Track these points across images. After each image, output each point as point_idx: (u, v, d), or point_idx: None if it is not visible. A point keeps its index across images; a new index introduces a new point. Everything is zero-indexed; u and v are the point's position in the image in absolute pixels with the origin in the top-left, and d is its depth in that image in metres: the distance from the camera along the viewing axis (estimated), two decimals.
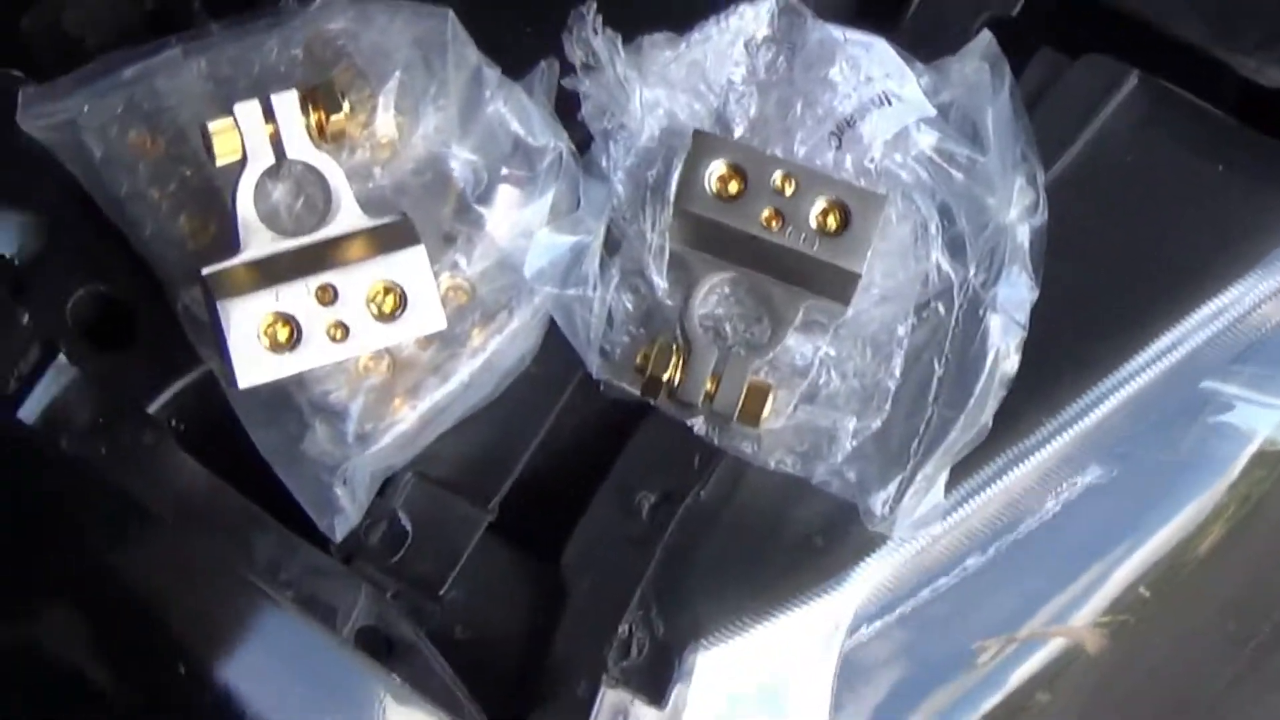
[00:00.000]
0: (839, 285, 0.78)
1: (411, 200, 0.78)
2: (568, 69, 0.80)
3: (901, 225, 0.80)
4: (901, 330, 0.80)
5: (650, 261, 0.79)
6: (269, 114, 0.75)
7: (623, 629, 0.79)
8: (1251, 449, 0.88)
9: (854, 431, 0.79)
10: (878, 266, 0.80)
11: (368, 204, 0.77)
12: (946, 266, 0.81)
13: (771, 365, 0.79)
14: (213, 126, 0.75)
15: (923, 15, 0.92)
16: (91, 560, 0.77)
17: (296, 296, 0.74)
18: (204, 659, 0.74)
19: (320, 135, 0.76)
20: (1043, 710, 0.86)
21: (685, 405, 0.78)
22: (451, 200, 0.78)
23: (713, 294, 0.80)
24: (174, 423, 0.81)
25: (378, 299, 0.74)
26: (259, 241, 0.75)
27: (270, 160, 0.76)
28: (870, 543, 0.81)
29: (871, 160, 0.81)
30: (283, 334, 0.74)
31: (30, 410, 0.79)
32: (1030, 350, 0.80)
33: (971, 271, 0.80)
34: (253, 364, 0.73)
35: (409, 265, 0.74)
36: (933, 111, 0.82)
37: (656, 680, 0.78)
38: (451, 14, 0.80)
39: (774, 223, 0.78)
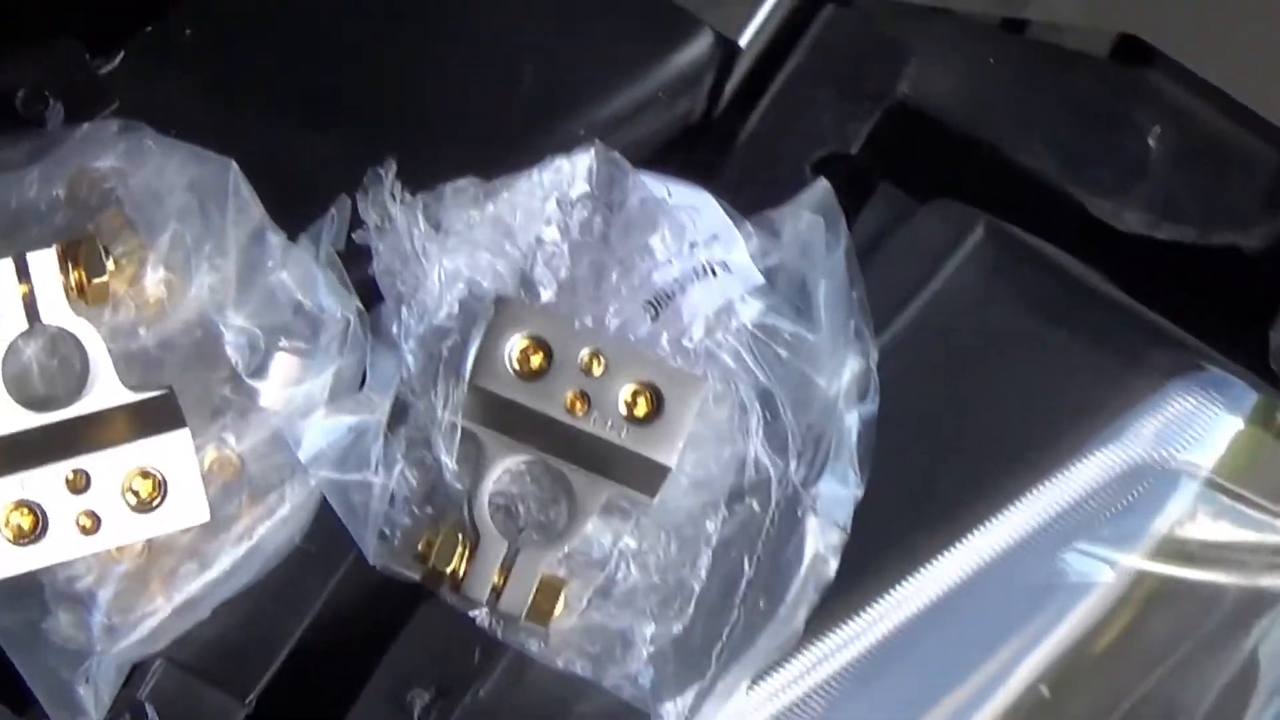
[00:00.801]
0: (646, 476, 0.73)
1: (179, 361, 0.72)
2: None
3: (719, 409, 0.75)
4: (710, 525, 0.75)
5: (440, 440, 0.73)
6: (23, 273, 0.69)
7: None
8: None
9: (651, 637, 0.74)
10: (690, 455, 0.74)
11: (130, 365, 0.71)
12: (765, 459, 0.75)
13: (566, 555, 0.74)
14: None
15: (752, 151, 0.87)
16: None
17: (44, 482, 0.67)
18: None
19: (80, 295, 0.70)
20: None
21: (469, 600, 0.73)
22: (223, 368, 0.72)
23: (506, 475, 0.74)
24: None
25: (135, 486, 0.68)
26: (4, 416, 0.68)
27: (22, 324, 0.69)
28: None
29: (690, 339, 0.75)
30: (26, 523, 0.67)
31: None
32: (854, 540, 0.75)
33: (792, 466, 0.75)
34: None
35: (170, 451, 0.68)
36: (760, 280, 0.76)
37: None
38: (234, 164, 0.73)
39: (578, 406, 0.73)
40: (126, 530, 0.68)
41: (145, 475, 0.69)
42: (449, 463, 0.73)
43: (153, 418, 0.69)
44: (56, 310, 0.69)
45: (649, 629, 0.74)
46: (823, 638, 0.78)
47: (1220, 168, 0.87)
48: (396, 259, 0.73)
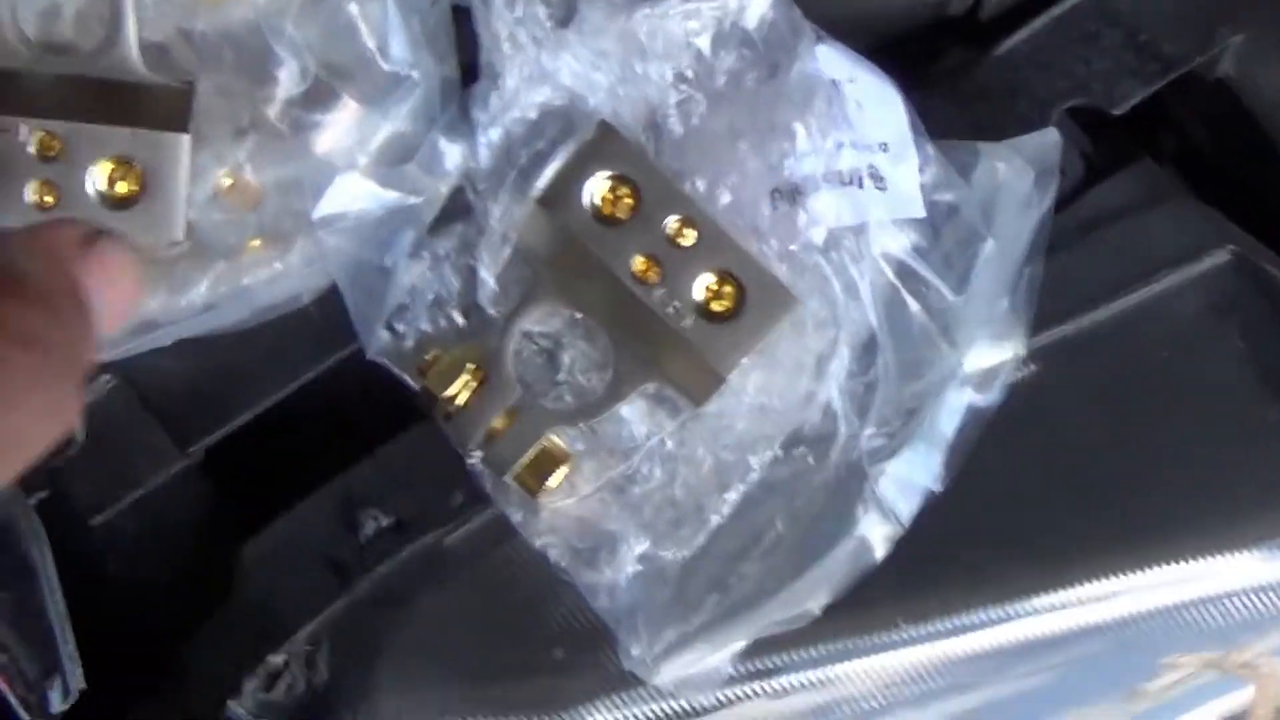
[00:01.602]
0: (698, 381, 0.68)
1: (217, 62, 0.68)
2: None
3: (807, 337, 0.70)
4: (755, 461, 0.70)
5: (484, 252, 0.70)
6: None
7: (278, 659, 0.70)
8: None
9: (643, 555, 0.70)
10: (756, 376, 0.69)
11: (164, 49, 0.67)
12: (839, 411, 0.70)
13: (590, 429, 0.69)
14: None
15: (998, 73, 0.80)
16: None
17: (13, 134, 0.64)
18: None
19: None
20: None
21: (458, 435, 0.68)
22: (264, 87, 0.68)
23: (551, 319, 0.70)
24: None
25: (112, 175, 0.65)
26: (12, 52, 0.65)
27: None
28: (617, 681, 0.71)
29: (806, 248, 0.69)
30: None
31: None
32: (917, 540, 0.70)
33: (868, 431, 0.70)
34: None
35: (162, 151, 0.64)
36: (920, 212, 0.71)
37: None
38: None
39: (650, 273, 0.68)
40: (84, 214, 0.64)
41: (126, 169, 0.65)
42: (488, 278, 0.70)
43: (159, 110, 0.65)
44: None
45: (645, 544, 0.70)
46: (844, 641, 0.73)
47: None
48: (498, 35, 0.69)
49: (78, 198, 0.64)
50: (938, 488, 0.70)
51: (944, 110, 0.75)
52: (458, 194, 0.71)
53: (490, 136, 0.70)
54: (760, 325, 0.67)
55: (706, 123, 0.70)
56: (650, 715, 0.72)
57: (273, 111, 0.69)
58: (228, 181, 0.67)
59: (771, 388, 0.70)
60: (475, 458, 0.69)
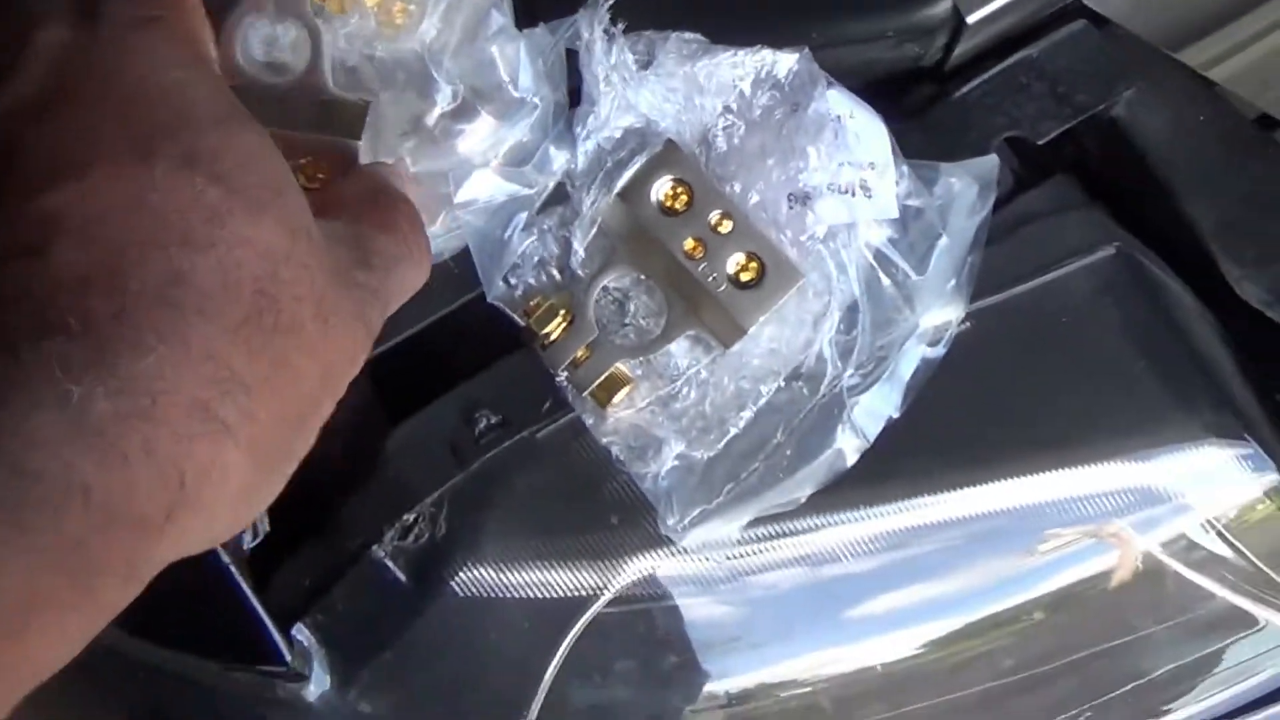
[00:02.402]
0: (727, 329, 0.81)
1: (390, 82, 0.78)
2: None
3: (809, 302, 0.83)
4: (765, 389, 0.83)
5: (578, 228, 0.83)
6: None
7: (410, 516, 0.84)
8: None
9: (680, 454, 0.83)
10: (770, 328, 0.83)
11: (350, 70, 0.77)
12: (828, 357, 0.83)
13: (646, 361, 0.83)
14: None
15: (954, 110, 0.91)
16: None
17: None
18: None
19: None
20: None
21: (552, 361, 0.82)
22: (425, 103, 0.79)
23: (624, 278, 0.83)
24: None
25: (305, 170, 0.73)
26: (238, 71, 0.73)
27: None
28: (655, 541, 0.85)
29: (810, 238, 0.83)
30: None
31: None
32: (879, 452, 0.83)
33: (848, 372, 0.83)
34: None
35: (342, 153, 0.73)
36: (894, 214, 0.83)
37: (419, 575, 0.83)
38: None
39: (697, 250, 0.81)
40: None
41: (316, 167, 0.74)
42: (579, 248, 0.83)
43: (344, 120, 0.73)
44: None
45: (682, 446, 0.83)
46: (821, 518, 0.87)
47: None
48: (597, 76, 0.82)
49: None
50: (896, 415, 0.83)
51: (915, 137, 0.86)
52: (560, 187, 0.83)
53: (586, 147, 0.83)
54: (776, 292, 0.80)
55: (744, 143, 0.83)
56: (678, 567, 0.85)
57: (430, 121, 0.79)
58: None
59: (780, 337, 0.83)
60: (562, 377, 0.82)
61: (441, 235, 0.82)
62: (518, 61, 0.81)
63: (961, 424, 0.88)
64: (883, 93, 0.88)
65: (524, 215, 0.83)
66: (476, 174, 0.81)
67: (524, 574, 0.84)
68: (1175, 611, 0.95)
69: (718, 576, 0.87)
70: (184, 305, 0.52)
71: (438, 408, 0.86)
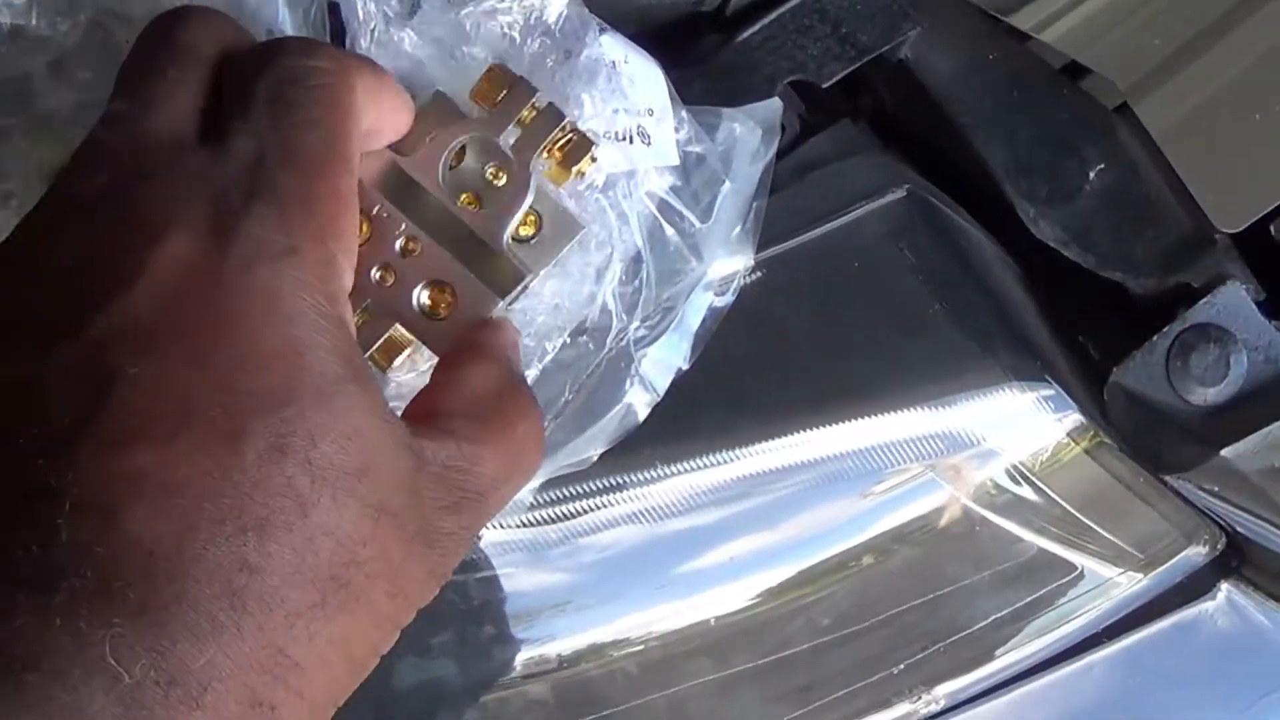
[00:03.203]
0: (500, 279, 0.78)
1: None
2: None
3: (590, 254, 0.81)
4: (549, 345, 0.81)
5: None
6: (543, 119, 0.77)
7: None
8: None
9: None
10: (552, 283, 0.81)
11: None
12: (612, 310, 0.82)
13: None
14: None
15: (738, 54, 0.92)
16: None
17: (394, 221, 0.76)
18: None
19: (553, 161, 0.78)
20: None
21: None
22: None
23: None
24: None
25: (432, 295, 0.76)
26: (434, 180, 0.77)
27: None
28: None
29: (590, 187, 0.81)
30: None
31: None
32: (674, 405, 0.83)
33: (633, 325, 0.82)
34: None
35: (478, 303, 0.76)
36: (675, 161, 0.82)
37: None
38: None
39: (472, 204, 0.78)
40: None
41: (441, 292, 0.75)
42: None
43: (496, 276, 0.75)
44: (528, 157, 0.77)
45: None
46: (614, 478, 0.87)
47: (1138, 219, 0.93)
48: (357, 27, 0.80)
49: (402, 300, 0.74)
50: (685, 366, 0.83)
51: (698, 84, 0.86)
52: None
53: None
54: (555, 243, 0.77)
55: None
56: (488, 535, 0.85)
57: None
58: None
59: (563, 291, 0.80)
60: None
61: None
62: (278, 12, 0.79)
63: (758, 375, 0.89)
64: (667, 42, 0.88)
65: None
66: None
67: None
68: (993, 560, 0.96)
69: (538, 542, 0.87)
70: (248, 595, 0.52)
71: None
